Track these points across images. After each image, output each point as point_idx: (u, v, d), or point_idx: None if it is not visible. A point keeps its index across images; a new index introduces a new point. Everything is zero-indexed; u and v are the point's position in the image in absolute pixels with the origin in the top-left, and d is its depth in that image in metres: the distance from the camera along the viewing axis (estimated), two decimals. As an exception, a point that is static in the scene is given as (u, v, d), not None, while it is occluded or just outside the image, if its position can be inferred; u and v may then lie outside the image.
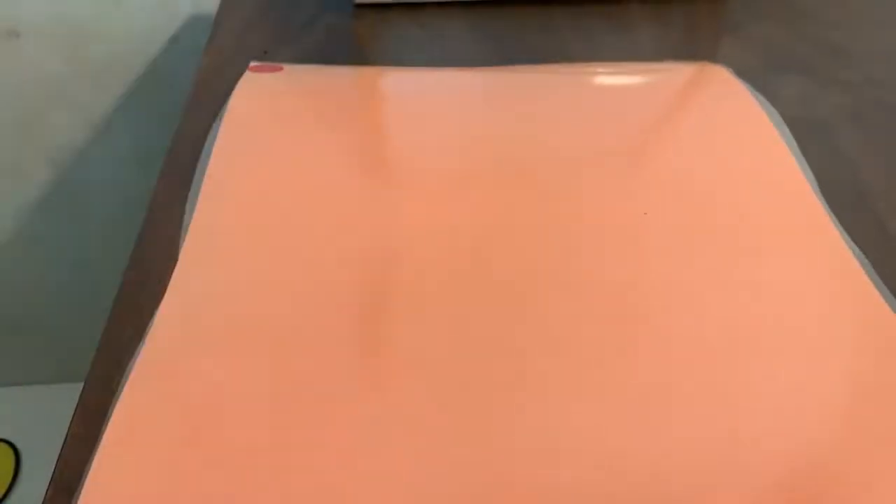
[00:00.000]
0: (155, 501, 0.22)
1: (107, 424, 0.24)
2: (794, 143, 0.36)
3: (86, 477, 0.22)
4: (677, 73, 0.41)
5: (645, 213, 0.32)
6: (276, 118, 0.37)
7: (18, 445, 0.91)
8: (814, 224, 0.31)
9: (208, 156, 0.34)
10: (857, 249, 0.30)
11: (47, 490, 0.22)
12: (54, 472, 0.23)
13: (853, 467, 0.23)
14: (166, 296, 0.28)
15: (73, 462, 0.23)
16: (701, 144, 0.36)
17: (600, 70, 0.41)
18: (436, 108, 0.38)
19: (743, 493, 0.22)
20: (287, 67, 0.41)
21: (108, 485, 0.22)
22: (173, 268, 0.29)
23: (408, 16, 0.47)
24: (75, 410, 0.25)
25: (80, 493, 0.22)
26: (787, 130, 0.36)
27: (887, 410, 0.25)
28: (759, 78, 0.40)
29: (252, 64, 0.42)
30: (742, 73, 0.41)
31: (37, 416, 0.93)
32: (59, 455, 0.23)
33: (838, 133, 0.37)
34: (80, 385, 0.25)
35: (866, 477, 0.23)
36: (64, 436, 0.24)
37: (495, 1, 0.48)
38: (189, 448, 0.23)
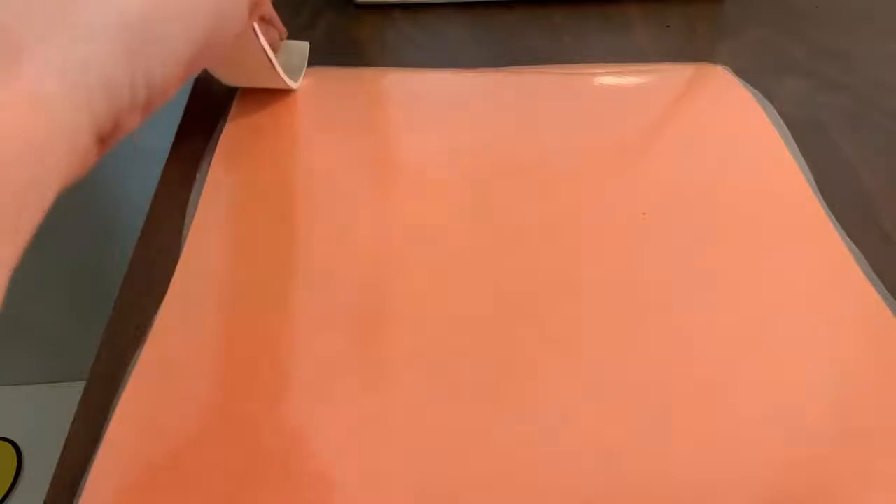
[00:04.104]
0: (156, 499, 0.22)
1: (108, 423, 0.24)
2: (794, 143, 0.36)
3: (87, 475, 0.22)
4: (676, 74, 0.41)
5: (644, 214, 0.32)
6: (278, 120, 0.37)
7: (20, 444, 0.91)
8: (813, 224, 0.31)
9: (210, 156, 0.35)
10: (855, 249, 0.30)
11: (49, 488, 0.22)
12: (56, 470, 0.23)
13: (852, 467, 0.23)
14: (167, 296, 0.28)
15: (75, 460, 0.23)
16: (700, 144, 0.36)
17: (599, 71, 0.41)
18: (436, 109, 0.38)
19: (742, 492, 0.22)
20: (287, 68, 0.42)
21: (110, 483, 0.22)
22: (173, 268, 0.29)
23: (408, 17, 0.47)
24: (77, 409, 0.25)
25: (81, 490, 0.22)
26: (786, 130, 0.37)
27: (885, 409, 0.25)
28: (757, 80, 0.40)
29: (252, 65, 0.42)
30: (740, 74, 0.41)
31: (38, 415, 0.93)
32: (61, 454, 0.23)
33: (836, 134, 0.37)
34: (81, 384, 0.25)
35: (864, 476, 0.23)
36: (65, 434, 0.24)
37: (495, 2, 0.48)
38: (190, 447, 0.23)
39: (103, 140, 0.18)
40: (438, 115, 0.38)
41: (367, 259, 0.30)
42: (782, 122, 0.37)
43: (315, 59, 0.40)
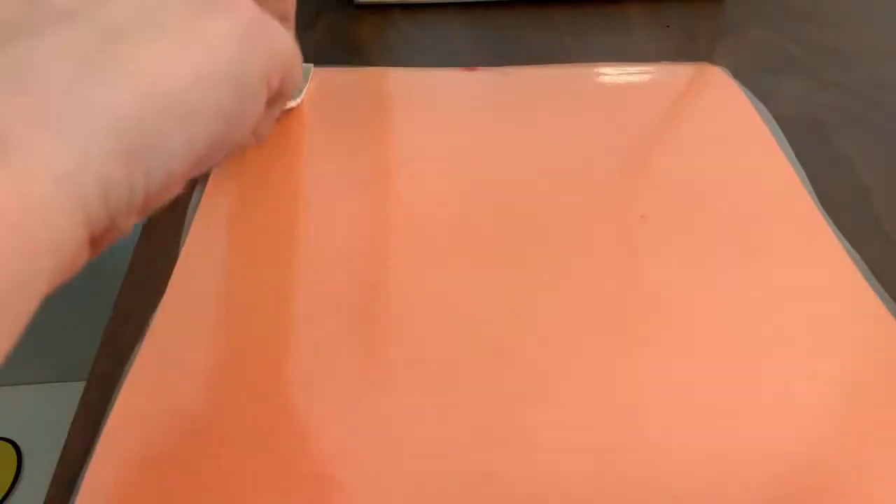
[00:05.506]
0: (154, 498, 0.22)
1: (105, 421, 0.24)
2: (788, 146, 0.36)
3: (84, 473, 0.22)
4: (674, 74, 0.41)
5: (642, 216, 0.32)
6: (279, 119, 0.37)
7: (20, 444, 0.91)
8: (809, 226, 0.31)
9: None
10: (852, 250, 0.30)
11: (49, 488, 0.22)
12: (56, 470, 0.23)
13: (849, 467, 0.23)
14: (166, 295, 0.28)
15: (75, 460, 0.23)
16: (697, 146, 0.36)
17: (598, 70, 0.41)
18: (436, 108, 0.38)
19: (741, 492, 0.22)
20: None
21: (107, 481, 0.22)
22: (173, 268, 0.29)
23: (408, 16, 0.47)
24: (77, 409, 0.25)
25: (78, 488, 0.22)
26: (780, 133, 0.36)
27: (883, 411, 0.25)
28: (757, 80, 0.40)
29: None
30: (739, 74, 0.41)
31: (38, 415, 0.93)
32: (61, 453, 0.23)
33: (836, 134, 0.37)
34: (81, 384, 0.25)
35: (862, 477, 0.23)
36: (65, 434, 0.24)
37: (495, 2, 0.48)
38: (187, 446, 0.23)
39: (96, 241, 0.17)
40: (439, 114, 0.38)
41: (367, 259, 0.30)
42: (776, 125, 0.37)
43: (315, 59, 0.40)
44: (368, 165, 0.34)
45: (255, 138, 0.24)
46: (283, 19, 0.23)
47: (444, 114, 0.38)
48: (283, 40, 0.21)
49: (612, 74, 0.41)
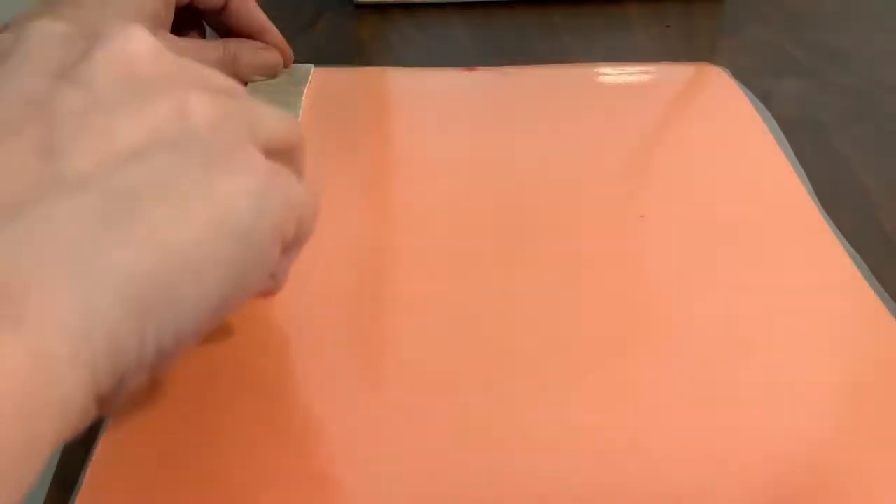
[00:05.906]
0: (153, 498, 0.22)
1: (106, 421, 0.24)
2: (788, 147, 0.36)
3: (85, 473, 0.22)
4: (675, 74, 0.41)
5: (642, 216, 0.32)
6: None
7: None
8: (809, 226, 0.31)
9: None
10: (852, 250, 0.30)
11: (49, 488, 0.22)
12: (56, 470, 0.23)
13: (849, 467, 0.23)
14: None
15: (75, 459, 0.23)
16: (698, 146, 0.36)
17: (598, 70, 0.41)
18: (436, 108, 0.38)
19: (741, 492, 0.22)
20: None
21: (106, 481, 0.22)
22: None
23: (408, 16, 0.47)
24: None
25: (78, 489, 0.22)
26: (781, 134, 0.36)
27: (883, 411, 0.25)
28: (757, 80, 0.40)
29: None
30: (739, 74, 0.41)
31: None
32: (61, 453, 0.23)
33: (836, 135, 0.37)
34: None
35: (862, 477, 0.23)
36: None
37: (495, 2, 0.48)
38: (187, 446, 0.23)
39: (103, 400, 0.17)
40: (439, 114, 0.38)
41: (367, 259, 0.30)
42: (777, 125, 0.37)
43: (315, 59, 0.40)
44: (368, 165, 0.34)
45: (273, 281, 0.25)
46: (297, 174, 0.23)
47: (444, 114, 0.38)
48: (296, 191, 0.21)
49: (612, 74, 0.41)
